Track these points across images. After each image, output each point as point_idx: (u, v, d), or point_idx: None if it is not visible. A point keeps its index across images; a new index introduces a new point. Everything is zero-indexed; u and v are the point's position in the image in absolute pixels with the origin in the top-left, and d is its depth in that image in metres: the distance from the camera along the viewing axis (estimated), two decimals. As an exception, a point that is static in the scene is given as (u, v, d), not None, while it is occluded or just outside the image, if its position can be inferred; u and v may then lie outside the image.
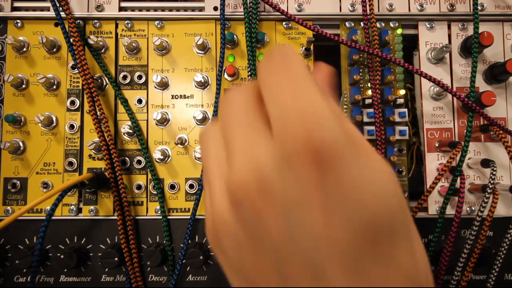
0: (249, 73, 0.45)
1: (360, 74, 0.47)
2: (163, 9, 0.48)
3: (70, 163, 0.45)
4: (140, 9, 0.48)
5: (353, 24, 0.48)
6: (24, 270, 0.44)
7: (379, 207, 0.16)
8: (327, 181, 0.15)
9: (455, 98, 0.46)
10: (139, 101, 0.47)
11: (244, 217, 0.18)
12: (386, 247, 0.16)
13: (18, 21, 0.47)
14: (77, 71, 0.46)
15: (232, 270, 0.20)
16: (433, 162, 0.46)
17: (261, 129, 0.18)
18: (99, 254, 0.43)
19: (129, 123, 0.45)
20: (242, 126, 0.18)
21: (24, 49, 0.47)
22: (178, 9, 0.48)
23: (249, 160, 0.17)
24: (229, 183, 0.18)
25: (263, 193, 0.17)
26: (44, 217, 0.38)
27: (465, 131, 0.44)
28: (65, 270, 0.44)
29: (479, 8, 0.46)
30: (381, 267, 0.16)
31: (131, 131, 0.45)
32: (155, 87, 0.47)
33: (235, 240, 0.18)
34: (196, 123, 0.46)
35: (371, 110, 0.44)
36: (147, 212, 0.46)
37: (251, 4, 0.46)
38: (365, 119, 0.45)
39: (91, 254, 0.44)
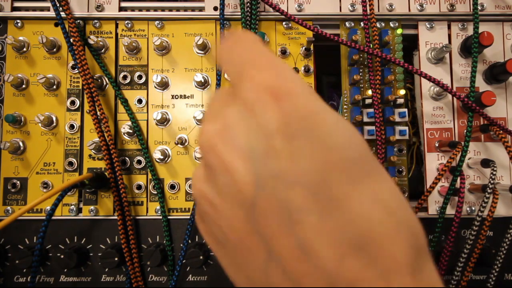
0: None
1: (360, 74, 0.47)
2: (163, 9, 0.48)
3: (70, 163, 0.45)
4: (140, 9, 0.48)
5: (353, 24, 0.48)
6: (24, 270, 0.44)
7: (347, 146, 0.15)
8: (289, 123, 0.15)
9: (455, 98, 0.46)
10: (139, 101, 0.47)
11: (212, 169, 0.18)
12: (360, 176, 0.15)
13: (18, 21, 0.47)
14: (77, 71, 0.46)
15: (213, 239, 0.20)
16: (433, 162, 0.46)
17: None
18: (99, 254, 0.43)
19: (129, 123, 0.45)
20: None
21: (24, 49, 0.47)
22: (178, 9, 0.48)
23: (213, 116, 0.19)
24: (199, 143, 0.19)
25: (226, 141, 0.17)
26: (44, 217, 0.39)
27: (465, 131, 0.44)
28: (65, 270, 0.44)
29: (479, 8, 0.46)
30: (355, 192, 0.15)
31: (131, 131, 0.45)
32: (155, 87, 0.47)
33: (209, 201, 0.19)
34: (196, 123, 0.46)
35: (371, 110, 0.44)
36: (147, 212, 0.46)
37: (248, 4, 0.46)
38: (365, 119, 0.45)
39: (91, 254, 0.44)
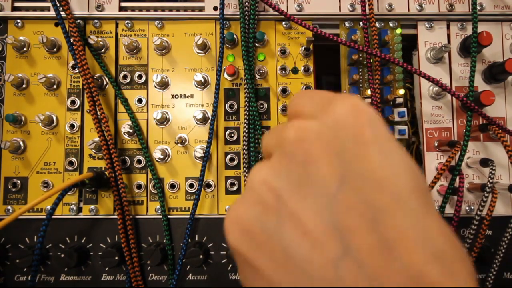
0: (245, 75, 0.45)
1: (360, 74, 0.47)
2: (163, 9, 0.48)
3: (71, 163, 0.46)
4: (140, 9, 0.48)
5: (352, 24, 0.48)
6: (25, 269, 0.44)
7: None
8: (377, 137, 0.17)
9: (454, 98, 0.46)
10: (139, 100, 0.47)
11: (289, 162, 0.18)
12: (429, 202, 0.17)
13: (18, 21, 0.47)
14: (77, 71, 0.46)
15: (271, 257, 0.17)
16: (432, 161, 0.46)
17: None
18: (99, 253, 0.44)
19: (129, 122, 0.46)
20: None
21: (25, 49, 0.47)
22: (178, 9, 0.48)
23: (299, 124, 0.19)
24: (282, 141, 0.19)
25: (317, 138, 0.18)
26: (44, 216, 0.39)
27: (464, 130, 0.44)
28: (66, 269, 0.44)
29: (478, 8, 0.47)
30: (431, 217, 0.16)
31: (131, 130, 0.46)
32: (155, 86, 0.47)
33: (275, 193, 0.18)
34: (196, 123, 0.47)
35: (371, 109, 0.44)
36: (147, 211, 0.46)
37: (247, 4, 0.46)
38: (365, 119, 0.45)
39: (91, 253, 0.45)
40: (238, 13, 0.46)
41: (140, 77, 0.47)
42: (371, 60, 0.46)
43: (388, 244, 0.15)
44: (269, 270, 0.17)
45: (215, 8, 0.47)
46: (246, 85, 0.46)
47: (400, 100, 0.45)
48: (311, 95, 0.21)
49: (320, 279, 0.16)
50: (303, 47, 0.47)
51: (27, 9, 0.48)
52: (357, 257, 0.15)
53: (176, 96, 0.47)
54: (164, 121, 0.46)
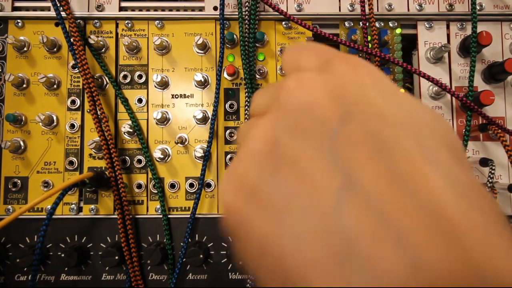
0: (245, 75, 0.45)
1: (359, 73, 0.47)
2: (163, 9, 0.48)
3: (71, 162, 0.46)
4: (140, 9, 0.48)
5: (352, 24, 0.48)
6: (25, 269, 0.44)
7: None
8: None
9: (454, 98, 0.46)
10: (139, 100, 0.47)
11: (292, 110, 0.17)
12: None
13: (18, 21, 0.47)
14: (77, 71, 0.46)
15: (274, 209, 0.15)
16: (432, 161, 0.46)
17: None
18: (100, 253, 0.44)
19: (130, 122, 0.46)
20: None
21: (25, 49, 0.47)
22: (178, 9, 0.48)
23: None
24: (279, 91, 0.18)
25: (317, 85, 0.17)
26: (44, 216, 0.39)
27: (464, 130, 0.44)
28: (66, 268, 0.44)
29: (478, 8, 0.47)
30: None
31: (131, 130, 0.46)
32: (155, 86, 0.47)
33: (279, 142, 0.16)
34: (196, 123, 0.47)
35: (370, 109, 0.44)
36: (147, 211, 0.46)
37: (247, 4, 0.46)
38: (364, 119, 0.45)
39: (92, 253, 0.45)
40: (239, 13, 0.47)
41: (140, 77, 0.47)
42: (371, 60, 0.46)
43: (400, 177, 0.13)
44: (262, 224, 0.15)
45: (215, 8, 0.47)
46: (245, 86, 0.46)
47: (400, 100, 0.45)
48: (309, 49, 0.20)
49: (320, 225, 0.13)
50: (303, 47, 0.47)
51: (27, 9, 0.48)
52: (361, 188, 0.13)
53: (176, 96, 0.47)
54: (164, 121, 0.46)
